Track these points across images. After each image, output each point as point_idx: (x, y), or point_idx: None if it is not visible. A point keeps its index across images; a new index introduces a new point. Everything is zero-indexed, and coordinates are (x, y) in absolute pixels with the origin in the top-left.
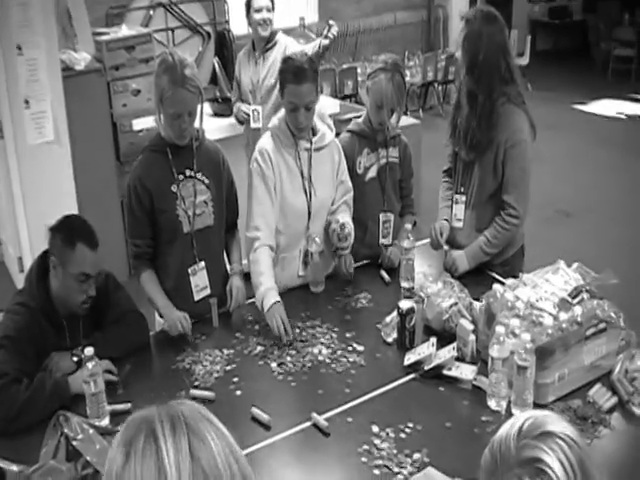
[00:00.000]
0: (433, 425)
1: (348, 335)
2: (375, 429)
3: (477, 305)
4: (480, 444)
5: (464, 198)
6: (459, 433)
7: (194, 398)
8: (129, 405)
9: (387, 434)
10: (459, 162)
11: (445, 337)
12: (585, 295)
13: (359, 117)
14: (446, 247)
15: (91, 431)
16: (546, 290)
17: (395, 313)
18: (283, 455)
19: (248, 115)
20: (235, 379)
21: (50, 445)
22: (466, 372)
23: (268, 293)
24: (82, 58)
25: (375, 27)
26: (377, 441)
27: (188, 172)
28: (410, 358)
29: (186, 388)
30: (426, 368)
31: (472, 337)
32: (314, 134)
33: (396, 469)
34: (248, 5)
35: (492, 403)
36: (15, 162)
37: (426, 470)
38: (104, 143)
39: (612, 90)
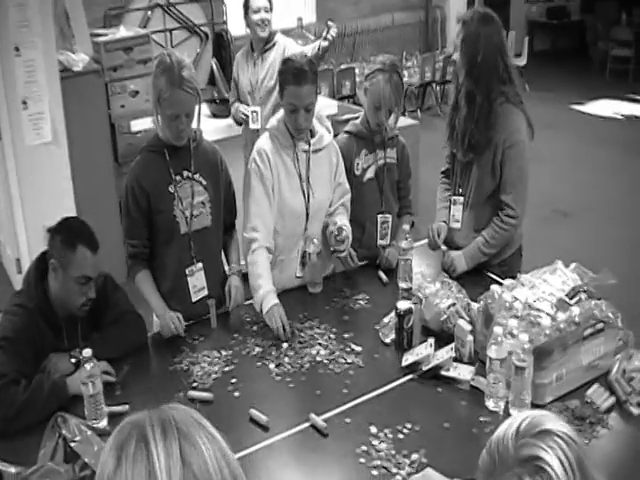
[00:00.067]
0: (431, 426)
1: (346, 336)
2: (373, 430)
3: (475, 306)
4: (478, 444)
5: (462, 199)
6: (457, 433)
7: (192, 399)
8: (127, 407)
9: (385, 435)
10: (457, 163)
11: (443, 338)
12: (583, 295)
13: (357, 118)
14: (444, 248)
15: (89, 432)
16: (544, 290)
17: (393, 314)
18: (281, 456)
19: (247, 116)
20: (233, 380)
21: (48, 446)
22: (464, 373)
23: (267, 296)
24: (80, 59)
25: (373, 28)
26: (375, 442)
27: (186, 173)
28: (408, 359)
29: (184, 389)
30: (424, 369)
31: (470, 338)
32: (312, 136)
33: (394, 470)
34: (246, 6)
35: (490, 403)
36: (13, 163)
37: (425, 471)
38: (102, 144)
39: (610, 90)
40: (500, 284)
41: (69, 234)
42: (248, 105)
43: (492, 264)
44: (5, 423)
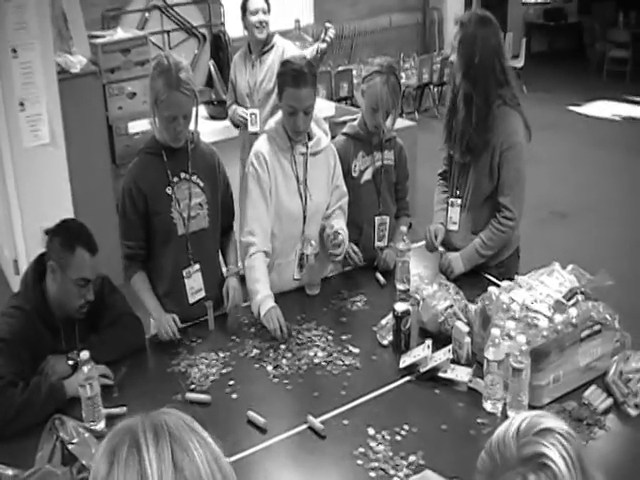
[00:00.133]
0: (429, 427)
1: (344, 337)
2: (371, 431)
3: (472, 307)
4: (476, 446)
5: (459, 201)
6: (455, 435)
7: (190, 402)
8: (125, 409)
9: (383, 436)
10: (454, 165)
11: (440, 339)
12: (580, 297)
13: (354, 120)
14: (441, 249)
15: (87, 435)
16: (541, 292)
17: (391, 315)
18: (279, 458)
19: (244, 119)
20: (231, 382)
21: (46, 449)
22: (461, 374)
23: (264, 300)
24: (78, 61)
25: (370, 29)
26: (373, 444)
27: (183, 175)
28: (405, 360)
29: (182, 391)
30: (422, 370)
31: (467, 339)
32: (310, 139)
33: (392, 471)
34: (244, 8)
35: (487, 405)
36: (10, 165)
37: (423, 473)
38: (100, 146)
39: (607, 91)
40: (498, 286)
41: (68, 236)
42: (247, 108)
43: (489, 266)
44: (2, 425)
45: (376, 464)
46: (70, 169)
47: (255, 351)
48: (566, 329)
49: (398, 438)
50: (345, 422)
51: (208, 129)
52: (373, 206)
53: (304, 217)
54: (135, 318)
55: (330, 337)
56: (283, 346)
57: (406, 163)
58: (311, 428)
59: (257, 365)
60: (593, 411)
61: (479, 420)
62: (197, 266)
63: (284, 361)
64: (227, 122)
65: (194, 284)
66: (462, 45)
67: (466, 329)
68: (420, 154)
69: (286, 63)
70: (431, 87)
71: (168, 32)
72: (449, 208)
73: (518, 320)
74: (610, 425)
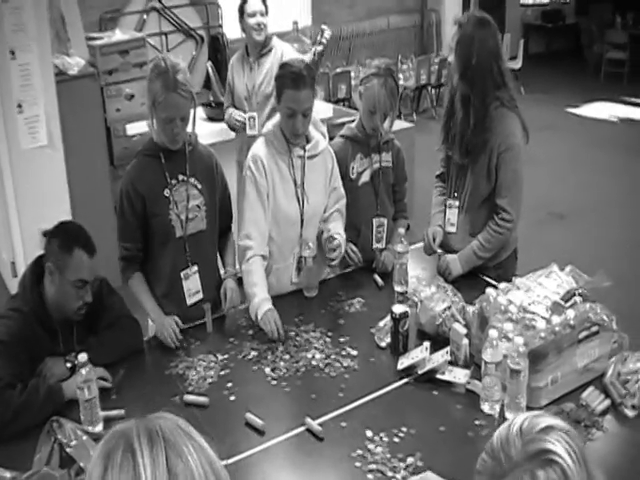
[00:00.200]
0: (427, 429)
1: (342, 340)
2: (369, 433)
3: (470, 309)
4: (474, 447)
5: (457, 203)
6: (453, 437)
7: (188, 404)
8: (123, 411)
9: (381, 438)
10: (452, 167)
11: (438, 341)
12: (578, 298)
13: (352, 121)
14: (439, 251)
15: (85, 437)
16: (539, 294)
17: (388, 317)
18: (277, 460)
19: (240, 122)
20: (229, 384)
21: (44, 451)
22: (459, 376)
23: (262, 304)
24: (75, 63)
25: (368, 31)
26: (371, 445)
27: (181, 177)
28: (403, 362)
29: (180, 394)
30: (419, 372)
31: (465, 341)
32: (307, 142)
33: (390, 473)
34: (241, 10)
35: (485, 407)
36: (8, 166)
37: (424, 474)
38: (98, 148)
39: (604, 93)
40: (495, 287)
41: (66, 237)
42: (245, 111)
43: (487, 267)
44: (0, 427)
45: (374, 466)
46: (68, 171)
47: (253, 353)
48: (564, 330)
49: (396, 440)
50: (343, 424)
51: (206, 131)
52: (371, 208)
53: (301, 220)
54: (133, 320)
55: (328, 339)
56: (281, 348)
57: (404, 165)
58: (309, 430)
59: (255, 367)
60: (591, 412)
61: (477, 422)
62: (195, 268)
63: (282, 363)
64: (224, 124)
65: (192, 286)
66: (460, 46)
67: (464, 331)
68: (418, 156)
69: (285, 65)
70: (429, 89)
71: (166, 34)
72: (447, 210)
73: (516, 322)
74: (608, 426)
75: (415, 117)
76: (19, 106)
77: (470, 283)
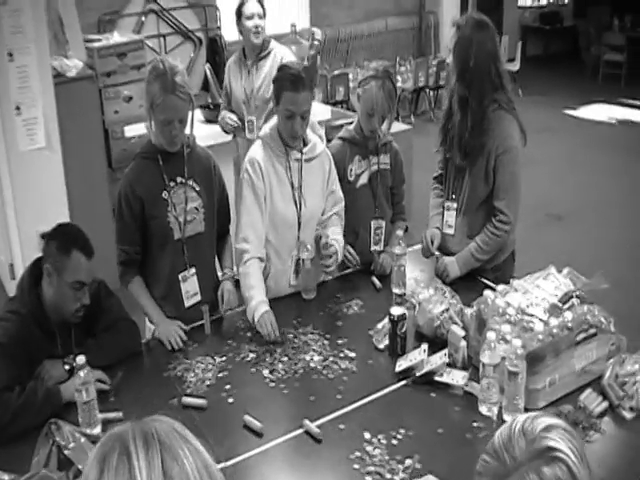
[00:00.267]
0: (425, 431)
1: (340, 342)
2: (367, 435)
3: (468, 311)
4: (472, 449)
5: (455, 205)
6: (451, 439)
7: (186, 406)
8: (121, 414)
9: (379, 440)
10: (450, 169)
11: (436, 343)
12: (575, 300)
13: (350, 123)
14: (437, 253)
15: (83, 440)
16: (537, 296)
17: (386, 319)
18: (275, 462)
19: (233, 126)
20: (227, 386)
21: (42, 454)
22: (457, 378)
23: (259, 306)
24: (74, 65)
25: (366, 33)
26: (369, 448)
27: (179, 179)
28: (402, 364)
29: (178, 396)
30: (417, 374)
31: (463, 343)
32: (305, 144)
33: (388, 475)
34: (239, 12)
35: (483, 409)
36: (6, 168)
37: (425, 477)
38: (96, 150)
39: (602, 94)
40: (493, 289)
41: (64, 239)
42: (242, 114)
43: (485, 269)
44: None
45: (372, 468)
46: (66, 173)
47: (251, 355)
48: (562, 333)
49: (394, 442)
50: (341, 426)
51: (204, 133)
52: (369, 210)
53: (299, 223)
54: (131, 322)
55: (326, 341)
56: (279, 350)
57: (402, 167)
58: (307, 432)
59: (253, 369)
60: (589, 414)
61: (475, 424)
62: (193, 270)
63: (280, 365)
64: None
65: (190, 288)
66: (458, 48)
67: (462, 333)
68: (416, 158)
69: (283, 67)
70: (427, 91)
71: (164, 36)
72: (445, 212)
73: (514, 324)
74: (605, 428)
75: (413, 119)
76: (17, 108)
77: (468, 285)
